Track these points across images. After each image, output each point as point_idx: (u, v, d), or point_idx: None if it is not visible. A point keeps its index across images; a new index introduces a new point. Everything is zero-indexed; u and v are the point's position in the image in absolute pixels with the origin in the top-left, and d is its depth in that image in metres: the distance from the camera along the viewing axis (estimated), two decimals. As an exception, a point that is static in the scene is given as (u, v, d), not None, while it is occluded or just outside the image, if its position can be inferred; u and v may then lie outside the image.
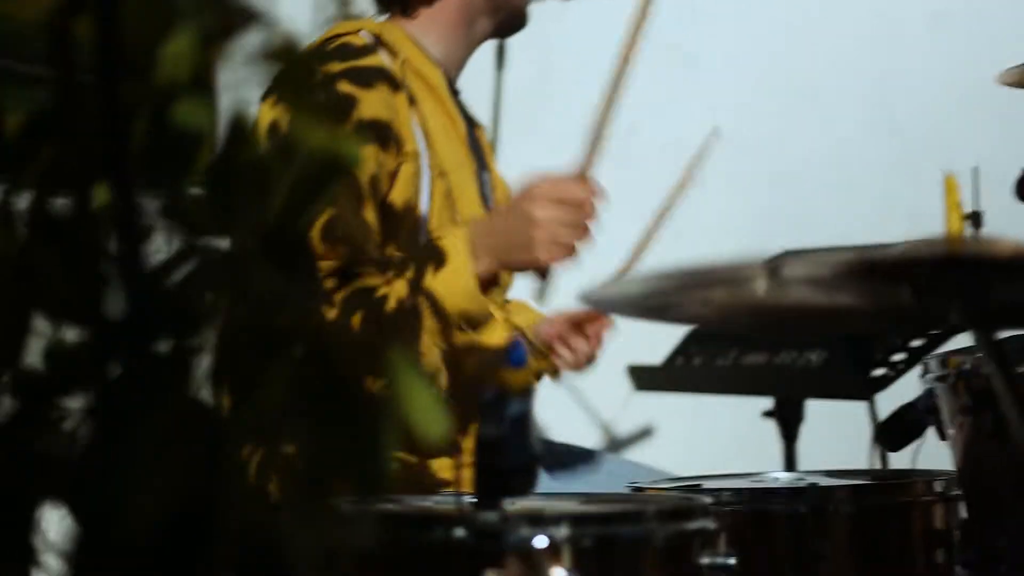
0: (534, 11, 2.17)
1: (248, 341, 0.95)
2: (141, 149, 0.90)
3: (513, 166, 3.84)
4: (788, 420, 2.54)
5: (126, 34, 0.89)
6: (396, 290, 1.85)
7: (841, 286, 1.19)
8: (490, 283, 1.89)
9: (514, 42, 2.53)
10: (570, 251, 1.80)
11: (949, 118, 3.77)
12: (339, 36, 2.03)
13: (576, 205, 1.80)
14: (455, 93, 2.13)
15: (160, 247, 0.91)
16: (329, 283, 1.87)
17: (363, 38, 2.02)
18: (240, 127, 0.98)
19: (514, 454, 1.25)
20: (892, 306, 1.25)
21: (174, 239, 0.92)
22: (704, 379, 2.56)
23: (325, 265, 1.87)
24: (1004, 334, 1.60)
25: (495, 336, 2.07)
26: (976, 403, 1.62)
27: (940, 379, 1.69)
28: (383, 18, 2.16)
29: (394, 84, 1.98)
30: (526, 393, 1.26)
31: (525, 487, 1.27)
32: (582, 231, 1.80)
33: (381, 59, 2.00)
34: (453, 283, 1.84)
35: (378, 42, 2.02)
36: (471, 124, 2.21)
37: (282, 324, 0.96)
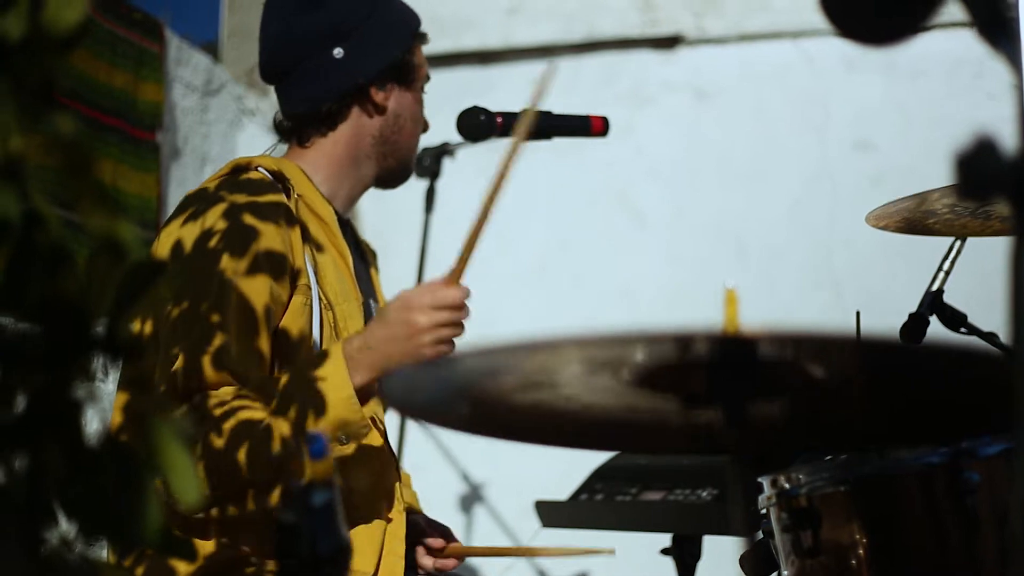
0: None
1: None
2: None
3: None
4: (685, 557, 2.58)
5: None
6: (279, 426, 1.92)
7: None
8: (368, 394, 1.98)
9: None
10: (451, 346, 1.97)
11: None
12: (241, 170, 2.14)
13: (453, 308, 1.94)
14: (345, 225, 2.25)
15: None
16: (217, 412, 1.94)
17: (263, 174, 2.14)
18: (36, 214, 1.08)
19: (322, 543, 1.32)
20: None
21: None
22: (606, 515, 2.61)
23: (214, 393, 1.95)
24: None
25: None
26: (794, 522, 1.66)
27: (768, 499, 1.74)
28: (281, 152, 2.29)
29: (291, 219, 2.09)
30: (329, 484, 1.32)
31: (337, 575, 1.33)
32: (460, 328, 1.99)
33: (281, 196, 2.10)
34: (334, 395, 1.93)
35: (276, 178, 2.14)
36: (362, 254, 2.33)
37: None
